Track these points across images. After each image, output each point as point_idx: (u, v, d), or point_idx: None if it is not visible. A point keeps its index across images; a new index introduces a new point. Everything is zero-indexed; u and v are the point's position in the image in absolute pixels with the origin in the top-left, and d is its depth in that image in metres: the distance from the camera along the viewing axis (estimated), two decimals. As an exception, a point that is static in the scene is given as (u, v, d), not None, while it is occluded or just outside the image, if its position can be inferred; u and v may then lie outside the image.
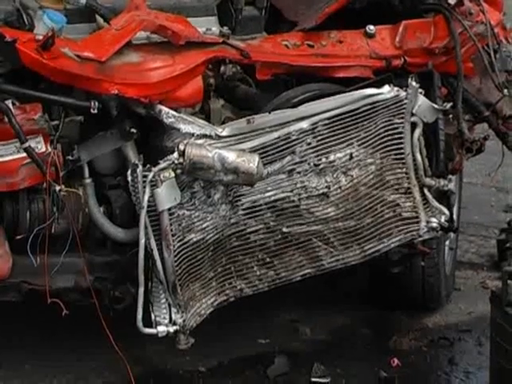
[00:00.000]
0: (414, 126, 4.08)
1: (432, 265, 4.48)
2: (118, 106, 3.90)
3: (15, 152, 3.85)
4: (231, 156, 3.81)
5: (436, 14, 4.19)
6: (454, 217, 4.25)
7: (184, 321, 3.88)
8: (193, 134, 3.89)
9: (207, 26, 4.11)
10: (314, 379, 4.23)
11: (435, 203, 4.13)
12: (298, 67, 4.08)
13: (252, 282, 3.99)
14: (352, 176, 4.01)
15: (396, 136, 4.07)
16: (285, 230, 3.96)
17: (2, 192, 3.88)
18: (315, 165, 3.97)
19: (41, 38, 3.83)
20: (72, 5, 4.02)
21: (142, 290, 3.84)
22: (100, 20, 4.03)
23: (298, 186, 3.99)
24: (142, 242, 3.83)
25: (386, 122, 4.05)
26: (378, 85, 4.08)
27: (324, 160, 3.99)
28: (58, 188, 3.84)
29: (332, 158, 3.99)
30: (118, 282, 3.98)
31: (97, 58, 3.88)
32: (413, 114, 4.07)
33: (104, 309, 3.92)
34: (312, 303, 4.40)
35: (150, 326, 3.85)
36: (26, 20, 3.96)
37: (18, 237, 3.90)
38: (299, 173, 3.97)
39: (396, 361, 4.33)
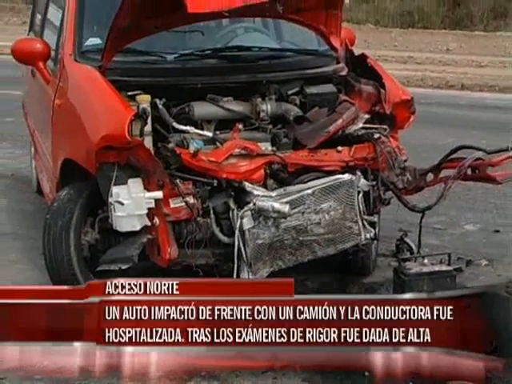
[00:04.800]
0: (358, 192, 4.04)
1: (367, 254, 4.40)
2: (224, 183, 3.90)
3: (179, 202, 3.82)
4: (276, 205, 3.81)
5: (369, 142, 4.15)
6: (377, 233, 4.20)
7: (255, 279, 3.84)
8: (259, 195, 3.86)
9: (266, 147, 4.06)
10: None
11: (368, 227, 4.09)
12: (306, 165, 4.05)
13: (285, 262, 3.94)
14: (331, 214, 3.97)
15: (351, 196, 4.02)
16: (300, 238, 3.93)
17: (173, 221, 3.84)
18: (314, 209, 3.94)
19: (191, 151, 3.84)
20: (206, 137, 4.00)
21: (236, 265, 3.83)
22: (218, 144, 4.00)
23: (306, 218, 3.93)
24: (236, 243, 3.82)
25: (346, 190, 4.01)
26: (343, 173, 4.03)
27: (318, 207, 3.94)
28: (199, 219, 3.83)
29: (322, 206, 3.95)
30: (226, 261, 3.92)
31: (216, 160, 3.87)
32: (358, 187, 4.04)
33: (219, 273, 3.91)
34: (312, 271, 4.30)
35: (239, 281, 3.81)
36: (184, 143, 3.94)
37: (181, 241, 3.89)
38: (307, 213, 3.93)
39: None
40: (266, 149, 4.06)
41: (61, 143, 4.39)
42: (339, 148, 4.10)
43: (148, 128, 3.89)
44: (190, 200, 3.83)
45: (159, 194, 3.77)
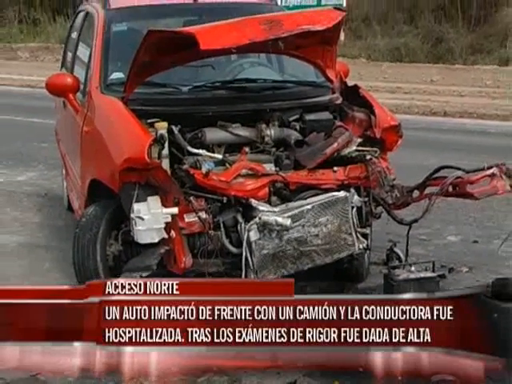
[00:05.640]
0: (352, 207, 4.02)
1: (360, 263, 4.34)
2: (233, 200, 3.88)
3: (193, 217, 3.80)
4: (279, 219, 3.80)
5: (361, 163, 4.14)
6: (369, 244, 4.17)
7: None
8: (264, 210, 3.85)
9: (270, 167, 4.05)
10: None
11: (361, 238, 4.06)
12: (306, 184, 4.03)
13: (287, 269, 3.90)
14: (328, 227, 3.94)
15: (345, 211, 3.99)
16: (301, 248, 3.90)
17: (187, 234, 3.82)
18: (313, 223, 3.91)
19: (204, 172, 3.83)
20: (217, 159, 4.00)
21: (243, 273, 3.81)
22: (227, 165, 3.99)
23: (306, 231, 3.91)
24: (244, 253, 3.81)
25: (341, 205, 3.98)
26: (338, 191, 4.02)
27: (316, 221, 3.92)
28: (210, 232, 3.82)
29: (320, 220, 3.93)
30: (234, 269, 3.89)
31: (226, 180, 3.86)
32: (352, 202, 4.02)
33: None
34: (312, 278, 4.21)
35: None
36: (197, 165, 3.93)
37: (194, 251, 3.86)
38: (307, 226, 3.90)
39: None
40: (270, 169, 4.05)
41: (88, 165, 4.40)
42: (335, 168, 4.09)
43: (165, 151, 3.88)
44: (203, 215, 3.82)
45: (175, 210, 3.75)
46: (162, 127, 3.94)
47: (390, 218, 4.27)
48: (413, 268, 4.00)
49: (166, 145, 3.89)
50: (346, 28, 14.56)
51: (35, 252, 5.10)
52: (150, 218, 3.71)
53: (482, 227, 5.54)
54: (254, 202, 3.89)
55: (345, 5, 13.28)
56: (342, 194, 4.01)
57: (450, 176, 4.12)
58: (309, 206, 3.93)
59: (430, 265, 4.08)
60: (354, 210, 4.04)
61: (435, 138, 8.79)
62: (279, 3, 9.87)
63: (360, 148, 4.22)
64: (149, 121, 4.02)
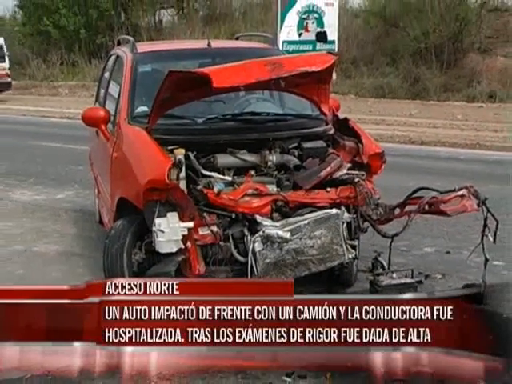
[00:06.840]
0: (343, 222, 3.98)
1: (349, 270, 4.27)
2: (240, 215, 3.87)
3: (206, 230, 3.79)
4: (280, 232, 3.78)
5: (351, 184, 4.11)
6: (357, 254, 4.12)
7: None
8: (267, 225, 3.82)
9: (272, 188, 4.03)
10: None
11: (350, 249, 4.03)
12: (303, 202, 4.01)
13: (287, 276, 3.86)
14: (322, 240, 3.91)
15: (337, 226, 3.96)
16: (299, 258, 3.87)
17: (201, 245, 3.78)
18: (309, 236, 3.89)
19: (215, 192, 3.82)
20: (227, 181, 3.98)
21: (249, 278, 3.75)
22: (236, 186, 3.97)
23: (303, 242, 3.88)
24: (249, 262, 3.77)
25: (333, 221, 3.95)
26: (331, 208, 3.99)
27: (312, 234, 3.89)
28: (221, 243, 3.80)
29: (315, 233, 3.90)
30: (241, 275, 3.83)
31: (234, 198, 3.84)
32: (342, 218, 3.98)
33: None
34: (307, 283, 4.11)
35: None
36: (210, 185, 3.91)
37: (207, 259, 3.84)
38: (303, 238, 3.88)
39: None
40: (272, 190, 4.03)
41: (117, 185, 4.39)
42: (328, 189, 4.07)
43: (182, 174, 3.87)
44: (214, 228, 3.80)
45: (191, 224, 3.73)
46: (179, 153, 3.93)
47: (375, 232, 4.23)
48: (394, 275, 3.98)
49: (184, 168, 3.87)
50: (337, 69, 14.63)
51: (71, 259, 5.08)
52: (169, 231, 3.69)
53: (453, 240, 5.49)
54: (258, 217, 3.87)
55: (336, 49, 13.33)
56: (334, 211, 3.98)
57: (426, 196, 4.09)
58: (305, 221, 3.91)
59: (409, 272, 4.06)
60: (344, 224, 4.01)
61: (413, 163, 8.77)
62: (280, 48, 9.96)
63: (349, 172, 4.20)
64: (169, 148, 4.01)
